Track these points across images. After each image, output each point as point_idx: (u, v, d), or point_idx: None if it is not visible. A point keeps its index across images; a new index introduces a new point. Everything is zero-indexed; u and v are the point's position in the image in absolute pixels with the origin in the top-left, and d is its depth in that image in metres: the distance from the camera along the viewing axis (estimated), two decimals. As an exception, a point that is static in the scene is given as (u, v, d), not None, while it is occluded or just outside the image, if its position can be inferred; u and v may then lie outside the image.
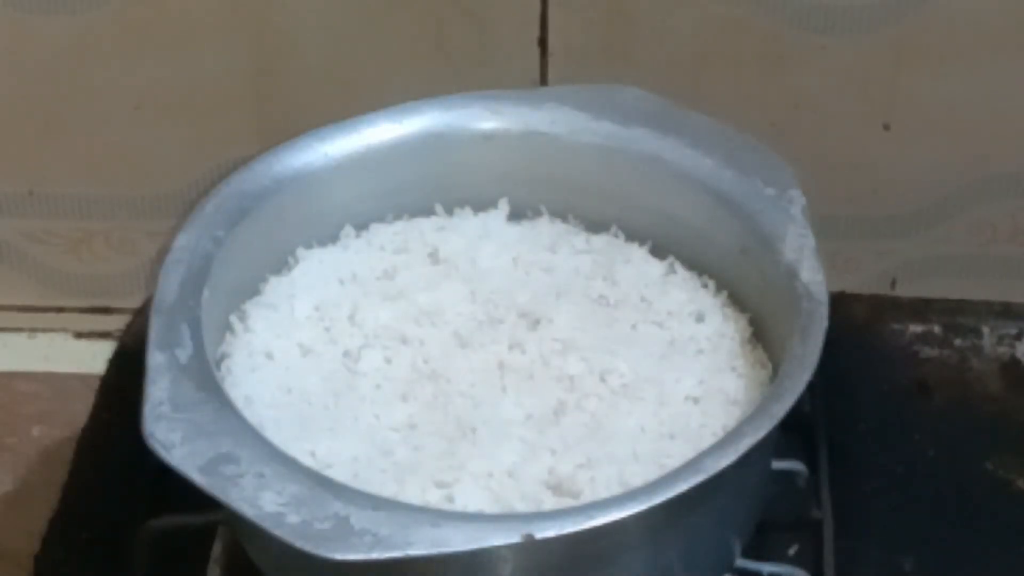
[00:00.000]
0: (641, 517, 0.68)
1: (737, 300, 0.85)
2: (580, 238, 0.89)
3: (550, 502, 0.73)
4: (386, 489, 0.73)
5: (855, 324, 1.00)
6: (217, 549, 0.83)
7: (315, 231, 0.88)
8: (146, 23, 0.96)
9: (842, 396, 0.94)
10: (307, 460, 0.73)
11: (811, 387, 0.74)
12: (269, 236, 0.85)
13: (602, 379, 0.80)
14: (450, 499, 0.73)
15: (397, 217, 0.89)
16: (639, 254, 0.88)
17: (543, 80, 0.97)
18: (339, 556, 0.66)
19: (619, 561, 0.72)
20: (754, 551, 0.81)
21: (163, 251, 0.80)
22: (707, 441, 0.75)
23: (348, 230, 0.88)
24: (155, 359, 0.74)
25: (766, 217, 0.83)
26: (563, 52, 0.96)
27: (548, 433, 0.77)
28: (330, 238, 0.88)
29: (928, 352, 0.99)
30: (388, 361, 0.81)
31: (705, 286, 0.86)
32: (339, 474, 0.73)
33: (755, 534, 0.81)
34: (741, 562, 0.80)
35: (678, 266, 0.87)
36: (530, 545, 0.67)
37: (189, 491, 0.69)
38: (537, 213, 0.90)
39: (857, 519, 0.87)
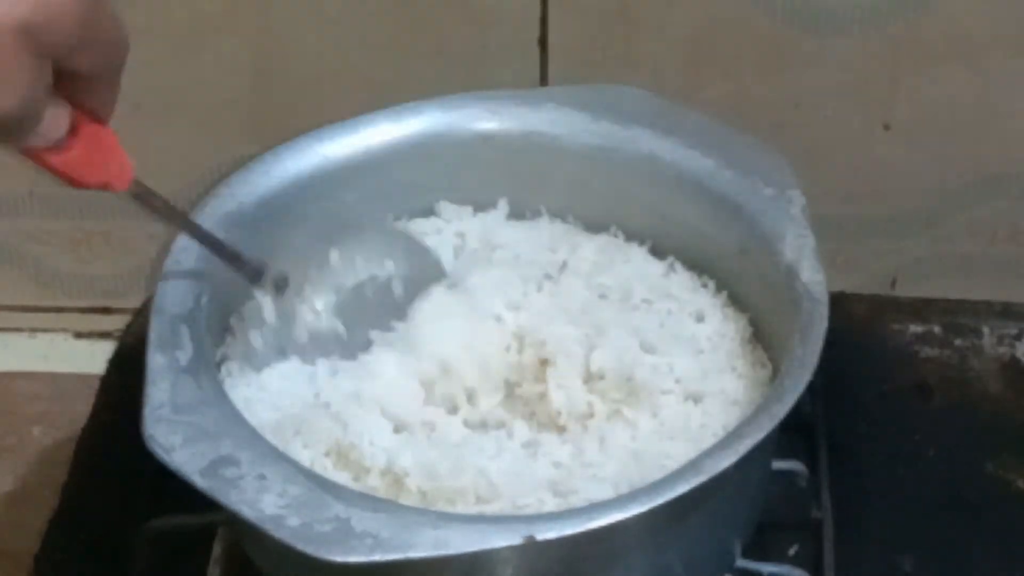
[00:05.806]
0: (641, 518, 0.68)
1: (737, 300, 0.85)
2: (580, 238, 0.89)
3: (551, 503, 0.73)
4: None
5: (855, 324, 1.00)
6: (217, 550, 0.83)
7: (315, 231, 0.87)
8: (146, 23, 0.96)
9: (842, 396, 0.94)
10: (307, 462, 0.73)
11: (811, 387, 0.74)
12: (268, 236, 0.85)
13: (603, 379, 0.80)
14: (451, 501, 0.73)
15: (397, 217, 0.89)
16: (639, 254, 0.87)
17: (543, 80, 0.97)
18: (340, 558, 0.65)
19: (620, 562, 0.72)
20: (754, 551, 0.81)
21: (163, 251, 0.80)
22: (707, 441, 0.75)
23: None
24: (155, 361, 0.74)
25: (766, 217, 0.82)
26: (563, 52, 0.96)
27: (548, 433, 0.77)
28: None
29: (928, 352, 0.99)
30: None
31: (705, 286, 0.86)
32: (339, 476, 0.73)
33: (755, 534, 0.81)
34: (741, 562, 0.80)
35: (678, 266, 0.87)
36: (531, 546, 0.66)
37: (189, 492, 0.69)
38: (537, 213, 0.90)
39: (857, 519, 0.87)
